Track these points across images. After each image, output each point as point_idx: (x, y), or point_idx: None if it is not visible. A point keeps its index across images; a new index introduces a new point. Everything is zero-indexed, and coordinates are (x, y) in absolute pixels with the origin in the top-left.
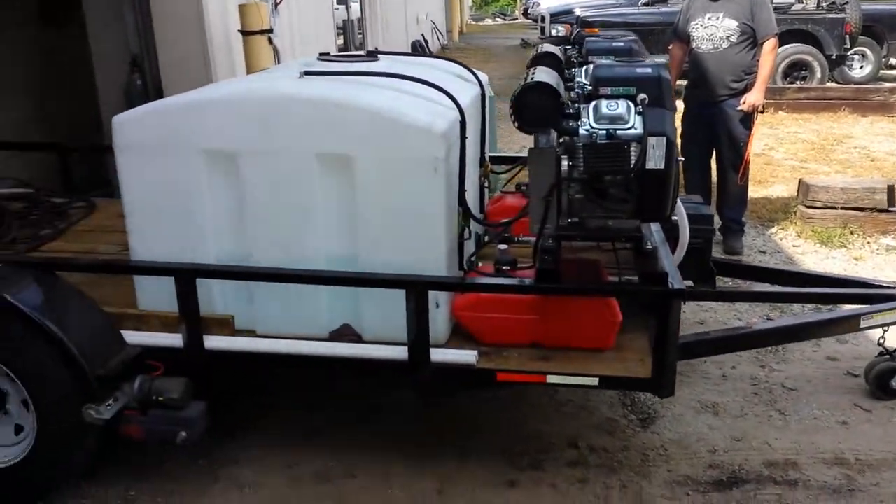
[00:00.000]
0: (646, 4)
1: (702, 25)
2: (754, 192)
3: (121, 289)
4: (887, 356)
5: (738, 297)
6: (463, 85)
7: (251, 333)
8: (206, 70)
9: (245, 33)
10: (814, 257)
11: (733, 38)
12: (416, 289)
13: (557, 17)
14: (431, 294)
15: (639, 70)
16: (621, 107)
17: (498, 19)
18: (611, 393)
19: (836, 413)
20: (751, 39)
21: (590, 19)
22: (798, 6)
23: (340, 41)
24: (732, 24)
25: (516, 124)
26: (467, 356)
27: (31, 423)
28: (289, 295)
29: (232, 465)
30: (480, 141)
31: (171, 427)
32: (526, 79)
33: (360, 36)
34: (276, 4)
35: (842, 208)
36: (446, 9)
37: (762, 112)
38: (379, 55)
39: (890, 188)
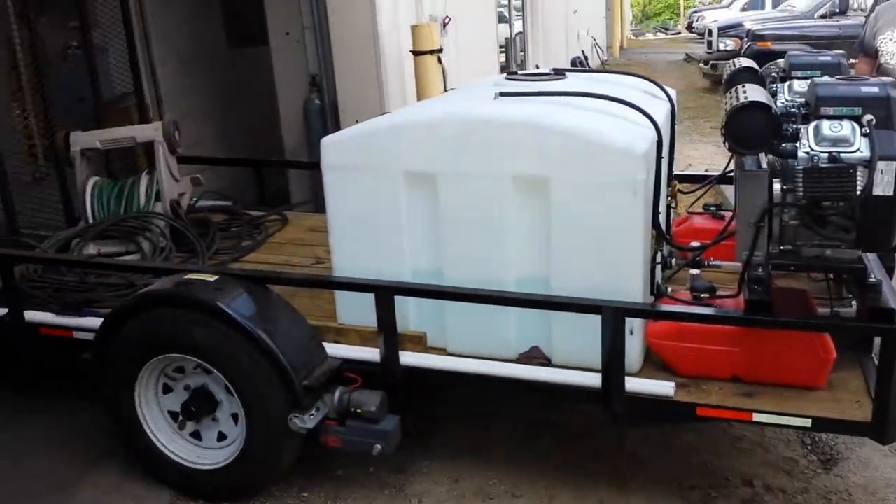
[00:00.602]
0: (823, 17)
1: (891, 39)
2: None
3: (316, 301)
4: None
5: None
6: (655, 101)
7: (442, 351)
8: (379, 89)
9: (416, 53)
10: None
11: None
12: (614, 315)
13: (726, 30)
14: (626, 321)
15: (864, 89)
16: (846, 128)
17: (659, 34)
18: (788, 431)
19: None
20: None
21: (762, 33)
22: None
23: (502, 58)
24: None
25: (727, 145)
26: (665, 387)
27: (238, 433)
28: (479, 315)
29: (399, 475)
30: (669, 159)
31: (368, 439)
32: (732, 97)
33: (522, 53)
34: (445, 24)
35: None
36: (607, 24)
37: None
38: (566, 73)
39: None
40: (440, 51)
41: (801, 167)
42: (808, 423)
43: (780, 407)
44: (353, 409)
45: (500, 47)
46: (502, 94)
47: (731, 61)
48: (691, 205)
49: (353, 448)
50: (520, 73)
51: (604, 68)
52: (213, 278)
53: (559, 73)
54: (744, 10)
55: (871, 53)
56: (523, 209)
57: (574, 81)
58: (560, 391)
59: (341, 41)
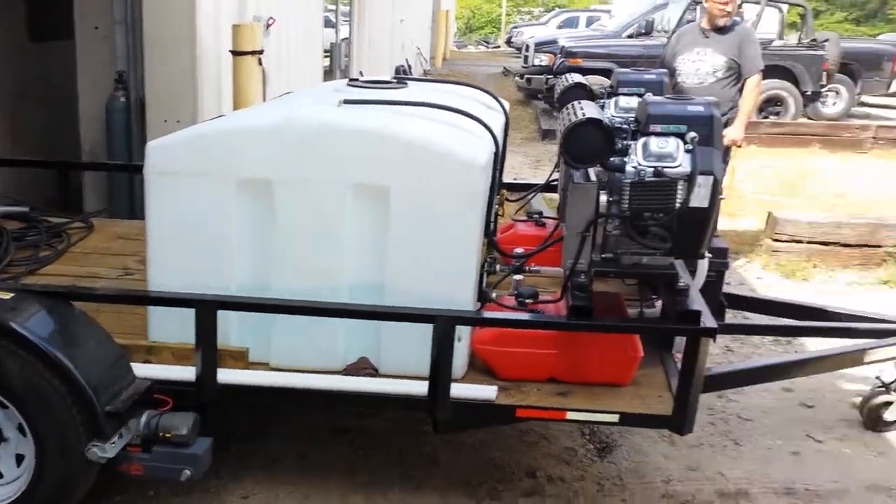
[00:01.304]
0: (630, 36)
1: (690, 60)
2: (724, 224)
3: (124, 317)
4: (883, 388)
5: (761, 331)
6: (492, 113)
7: (264, 366)
8: (193, 89)
9: (236, 53)
10: (777, 290)
11: (719, 73)
12: (446, 323)
13: (541, 46)
14: (456, 328)
15: (690, 108)
16: (671, 145)
17: (481, 47)
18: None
19: (788, 444)
20: (736, 75)
21: (574, 50)
22: (779, 42)
23: (326, 62)
24: (720, 59)
25: (564, 159)
26: (487, 392)
27: (21, 472)
28: (306, 327)
29: (184, 497)
30: (500, 169)
31: (176, 465)
32: (569, 114)
33: (346, 59)
34: (269, 26)
35: (807, 242)
36: (432, 35)
37: (739, 147)
38: (407, 80)
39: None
40: (261, 52)
41: (628, 181)
42: (616, 418)
43: (592, 405)
44: (161, 434)
45: (325, 52)
46: (346, 102)
47: (561, 78)
48: (516, 212)
49: (158, 475)
50: (362, 79)
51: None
52: (7, 296)
53: (401, 81)
54: (560, 27)
55: (670, 72)
56: (362, 218)
57: (415, 90)
58: (387, 402)
59: (155, 37)
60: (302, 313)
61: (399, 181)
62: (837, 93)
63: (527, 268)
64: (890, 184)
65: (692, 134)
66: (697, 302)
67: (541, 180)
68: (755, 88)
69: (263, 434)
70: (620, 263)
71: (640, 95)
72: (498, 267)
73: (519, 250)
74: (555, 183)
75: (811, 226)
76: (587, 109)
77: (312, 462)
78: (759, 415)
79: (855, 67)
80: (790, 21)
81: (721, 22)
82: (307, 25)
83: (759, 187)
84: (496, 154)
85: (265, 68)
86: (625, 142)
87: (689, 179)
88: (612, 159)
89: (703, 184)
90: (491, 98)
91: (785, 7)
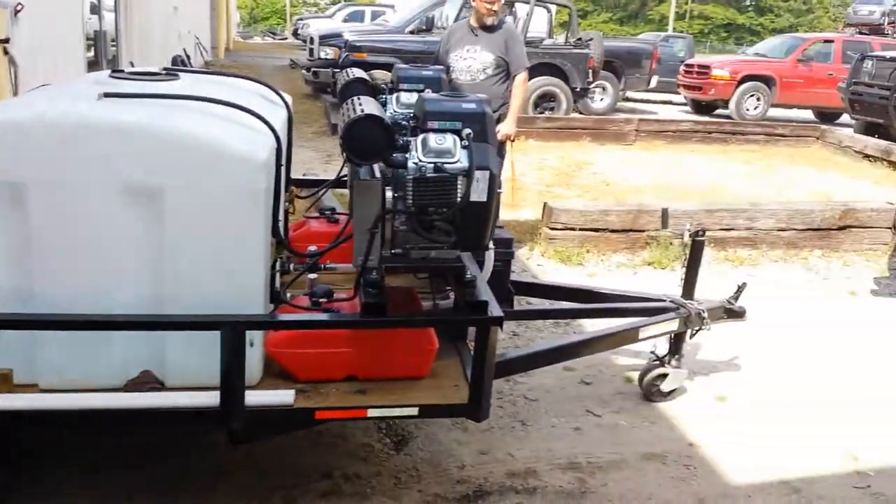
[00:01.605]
0: (412, 32)
1: (461, 57)
2: (505, 214)
3: None
4: (657, 362)
5: (547, 315)
6: (273, 107)
7: (33, 388)
8: None
9: None
10: (555, 275)
11: (489, 71)
12: (234, 329)
13: (326, 39)
14: (247, 333)
15: (464, 105)
16: (449, 141)
17: (268, 38)
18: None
19: (570, 420)
20: (505, 72)
21: (358, 44)
22: (549, 41)
23: (91, 54)
24: (489, 57)
25: (345, 156)
26: (284, 396)
27: None
28: (78, 343)
29: None
30: (287, 165)
31: None
32: (349, 109)
33: (114, 49)
34: (17, 12)
35: (580, 230)
36: (212, 25)
37: (513, 141)
38: (179, 73)
39: (664, 210)
40: (6, 41)
41: (410, 177)
42: (415, 411)
43: (391, 400)
44: None
45: (89, 41)
46: (107, 95)
47: (343, 72)
48: (308, 209)
49: None
50: (127, 71)
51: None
52: None
53: (171, 73)
54: (346, 20)
55: (445, 69)
56: (134, 221)
57: (188, 83)
58: (177, 417)
59: None
60: (71, 328)
61: (173, 181)
62: (604, 89)
63: (321, 266)
64: (651, 172)
65: (468, 130)
66: (485, 292)
67: (332, 176)
68: (523, 85)
69: (48, 453)
70: (410, 258)
71: (421, 91)
72: (292, 266)
73: (312, 248)
74: (345, 178)
75: (582, 214)
76: (366, 105)
77: (99, 478)
78: (544, 394)
79: (618, 65)
80: (561, 21)
81: (488, 21)
82: (64, 12)
83: (537, 179)
84: (278, 150)
85: (14, 58)
86: (406, 138)
87: (468, 174)
88: (394, 155)
89: (481, 178)
90: (272, 92)
91: (553, 8)
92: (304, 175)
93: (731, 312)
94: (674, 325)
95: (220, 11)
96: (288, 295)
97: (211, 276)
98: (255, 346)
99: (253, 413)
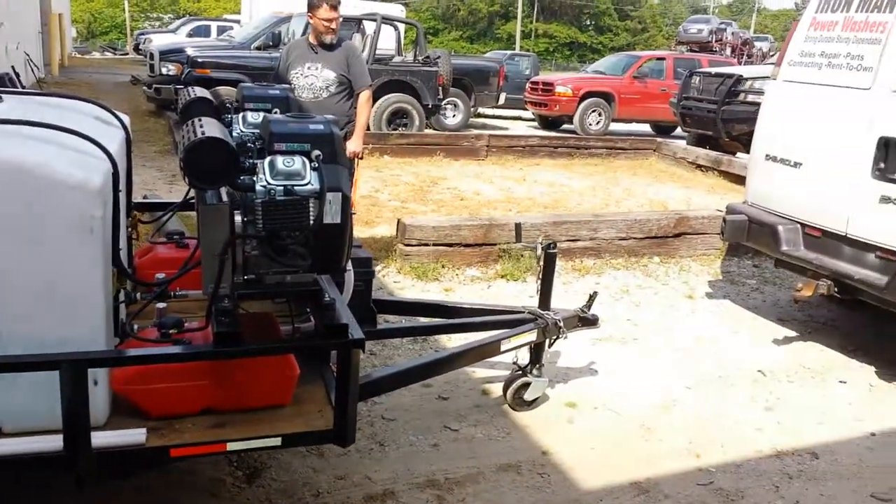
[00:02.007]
0: (258, 48)
1: (302, 75)
2: (361, 232)
3: None
4: (520, 372)
5: (410, 332)
6: (108, 129)
7: None
8: None
9: None
10: (412, 291)
11: (332, 88)
12: (74, 368)
13: (168, 55)
14: (90, 371)
15: (312, 127)
16: (297, 163)
17: (107, 53)
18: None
19: (429, 437)
20: (348, 90)
21: (201, 60)
22: (398, 58)
23: None
24: (331, 75)
25: (187, 181)
26: (135, 435)
27: None
28: None
29: None
30: (127, 190)
31: None
32: (189, 131)
33: None
34: None
35: (434, 245)
36: (44, 40)
37: (361, 158)
38: (2, 95)
39: (517, 225)
40: None
41: (259, 200)
42: (278, 441)
43: (252, 431)
44: None
45: None
46: None
47: (184, 90)
48: (153, 234)
49: None
50: None
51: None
52: None
53: None
54: (190, 35)
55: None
56: None
57: (13, 105)
58: (15, 464)
59: None
60: None
61: None
62: (456, 105)
63: (171, 293)
64: (501, 186)
65: (317, 152)
66: (345, 315)
67: (177, 197)
68: (367, 103)
69: None
70: (264, 284)
71: (268, 111)
72: (138, 295)
73: (160, 275)
74: (193, 200)
75: (435, 230)
76: (207, 127)
77: None
78: (402, 413)
79: (467, 82)
80: (411, 39)
81: (327, 38)
82: None
83: (392, 195)
84: (115, 175)
85: None
86: (252, 160)
87: (320, 197)
88: (241, 178)
89: (334, 200)
90: (107, 112)
91: (402, 26)
92: (144, 197)
93: (586, 321)
94: (533, 336)
95: (53, 26)
96: (135, 327)
97: (47, 311)
98: (101, 385)
99: (102, 455)
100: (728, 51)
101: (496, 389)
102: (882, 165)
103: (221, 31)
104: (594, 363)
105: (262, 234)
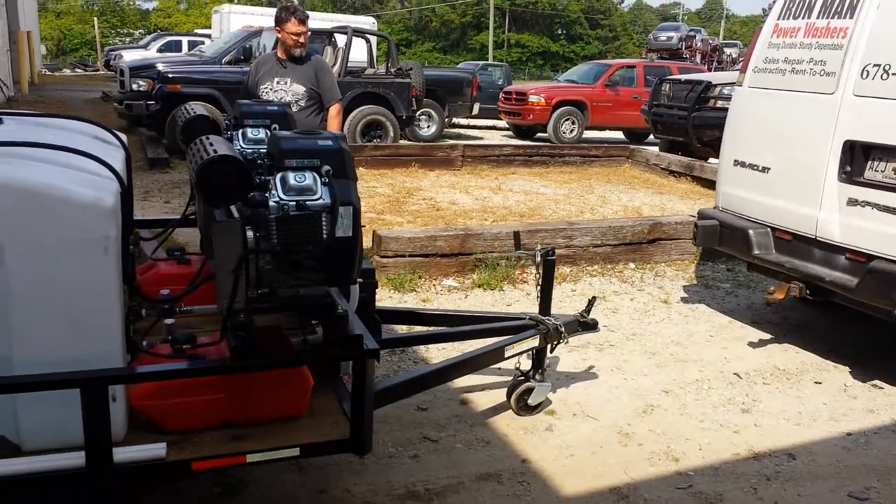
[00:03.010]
0: (230, 63)
1: (271, 89)
2: None
3: None
4: (523, 377)
5: (420, 340)
6: (110, 149)
7: None
8: None
9: None
10: (389, 302)
11: (302, 102)
12: (95, 386)
13: (138, 71)
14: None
15: (321, 142)
16: (308, 178)
17: (78, 69)
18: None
19: (408, 448)
20: (318, 103)
21: (171, 75)
22: (370, 70)
23: None
24: (300, 89)
25: (203, 199)
26: (156, 450)
27: None
28: None
29: None
30: (130, 207)
31: None
32: (199, 150)
33: None
34: None
35: (410, 256)
36: (12, 58)
37: None
38: (1, 116)
39: (516, 234)
40: None
41: (273, 216)
42: (296, 452)
43: (270, 443)
44: None
45: None
46: None
47: (183, 108)
48: (154, 251)
49: None
50: None
51: (9, 106)
52: None
53: None
54: (161, 51)
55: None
56: None
57: (12, 127)
58: (40, 482)
59: None
60: None
61: (12, 235)
62: (430, 116)
63: (177, 309)
64: (477, 196)
65: (326, 167)
66: (357, 326)
67: (152, 213)
68: (337, 116)
69: None
70: (279, 298)
71: (268, 127)
72: (144, 312)
73: (165, 292)
74: (193, 217)
75: (411, 241)
76: (217, 145)
77: None
78: (381, 425)
79: (441, 93)
80: (384, 51)
81: (296, 52)
82: None
83: (368, 206)
84: (123, 193)
85: None
86: (263, 176)
87: (332, 211)
88: (253, 194)
89: (345, 214)
90: (105, 132)
91: (374, 38)
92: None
93: (585, 325)
94: (535, 342)
95: (21, 44)
96: (145, 343)
97: (64, 331)
98: (119, 401)
99: (124, 470)
100: (698, 57)
101: (475, 399)
102: (848, 168)
103: (193, 45)
104: (572, 370)
105: (276, 249)
